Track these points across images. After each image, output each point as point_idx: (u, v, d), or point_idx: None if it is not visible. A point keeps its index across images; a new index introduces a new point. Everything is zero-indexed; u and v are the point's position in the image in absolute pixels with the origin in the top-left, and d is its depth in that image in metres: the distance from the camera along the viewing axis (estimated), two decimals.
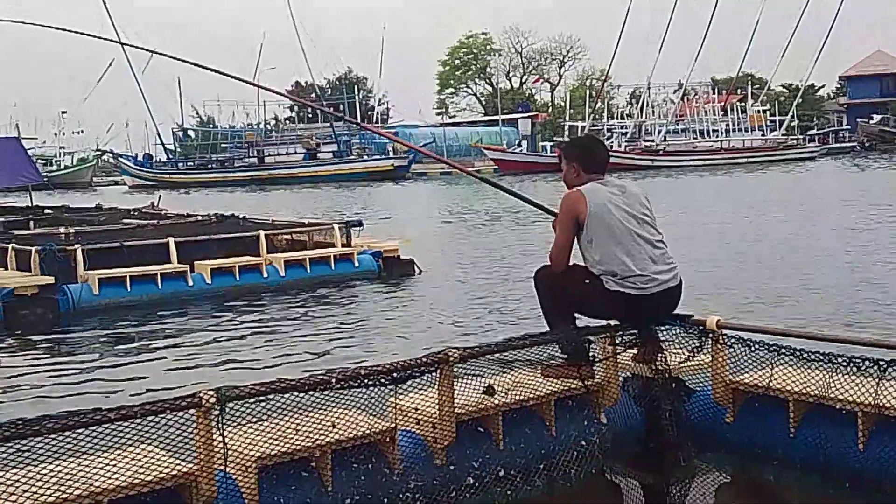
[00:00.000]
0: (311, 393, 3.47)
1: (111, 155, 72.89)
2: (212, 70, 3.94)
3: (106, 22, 62.58)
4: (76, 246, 9.98)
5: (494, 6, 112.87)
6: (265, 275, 10.60)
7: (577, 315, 4.28)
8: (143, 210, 16.80)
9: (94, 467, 3.00)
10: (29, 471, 2.86)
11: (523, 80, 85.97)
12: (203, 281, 10.20)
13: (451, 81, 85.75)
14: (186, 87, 71.34)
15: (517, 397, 3.85)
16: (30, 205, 19.33)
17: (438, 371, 3.67)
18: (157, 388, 6.33)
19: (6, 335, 8.67)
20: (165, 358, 7.39)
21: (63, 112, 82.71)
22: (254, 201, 35.59)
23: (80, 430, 2.90)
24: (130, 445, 3.17)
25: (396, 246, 11.84)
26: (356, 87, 74.37)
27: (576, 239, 4.13)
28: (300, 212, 25.28)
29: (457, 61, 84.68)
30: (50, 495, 2.84)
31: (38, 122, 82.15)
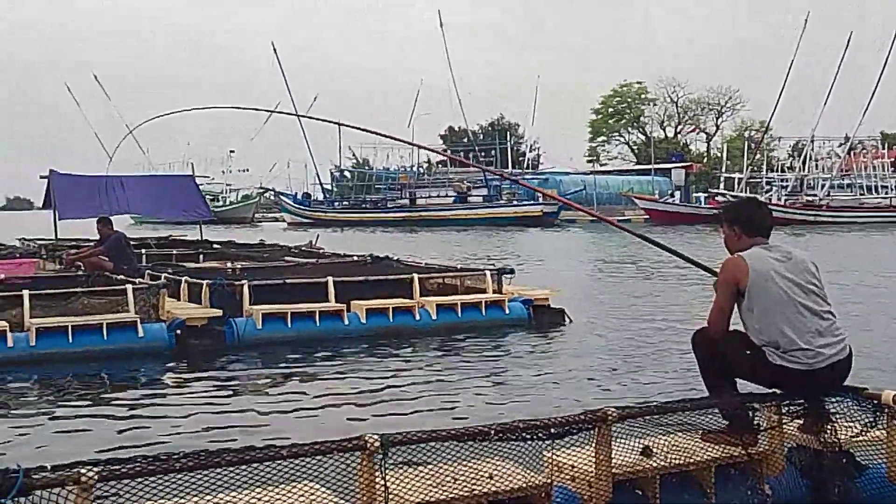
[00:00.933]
0: (469, 443, 3.54)
1: (273, 193, 76.55)
2: (370, 132, 4.03)
3: (277, 73, 66.12)
4: (243, 281, 10.52)
5: (646, 59, 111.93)
6: (417, 317, 10.81)
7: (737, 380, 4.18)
8: (303, 248, 17.52)
9: (267, 500, 3.16)
10: (210, 499, 3.05)
11: (678, 130, 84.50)
12: (358, 320, 10.51)
13: (604, 130, 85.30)
14: (345, 130, 74.11)
15: (676, 461, 3.78)
16: (199, 238, 20.52)
17: (596, 429, 3.66)
18: (314, 424, 6.58)
19: (177, 363, 9.21)
20: (322, 395, 7.63)
21: (231, 151, 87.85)
22: (404, 242, 36.46)
23: (255, 465, 3.08)
24: (296, 481, 3.32)
25: (547, 294, 11.83)
26: (508, 132, 75.18)
27: (736, 305, 4.04)
28: (449, 254, 25.69)
29: (610, 110, 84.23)
30: None
31: (209, 161, 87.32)
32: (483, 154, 68.20)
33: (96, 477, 2.68)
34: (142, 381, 8.62)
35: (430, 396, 7.53)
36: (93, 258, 12.97)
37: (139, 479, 2.79)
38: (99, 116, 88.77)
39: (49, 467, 2.64)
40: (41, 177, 20.04)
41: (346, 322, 10.44)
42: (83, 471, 2.66)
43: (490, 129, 79.79)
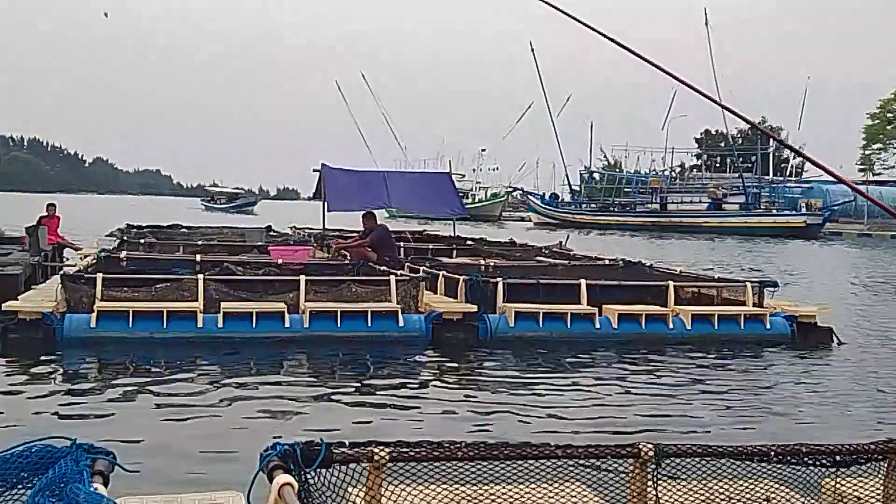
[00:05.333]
0: (745, 462, 3.40)
1: (521, 192, 77.69)
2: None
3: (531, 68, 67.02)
4: (498, 279, 10.75)
5: None
6: (671, 326, 10.53)
7: None
8: (553, 249, 17.61)
9: (538, 497, 3.20)
10: (486, 490, 3.14)
11: None
12: (610, 325, 10.41)
13: (881, 136, 78.49)
14: (597, 131, 73.88)
15: None
16: (452, 234, 21.22)
17: (886, 461, 3.39)
18: (569, 425, 6.60)
19: (433, 353, 9.59)
20: (576, 397, 7.64)
21: (482, 150, 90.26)
22: (654, 248, 35.60)
23: (530, 461, 3.13)
24: (566, 482, 3.34)
25: (814, 312, 11.08)
26: (770, 137, 71.27)
27: None
28: (701, 263, 24.77)
29: (889, 115, 77.37)
30: None
31: (461, 158, 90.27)
32: (741, 159, 65.11)
33: (387, 457, 2.84)
34: (401, 368, 9.05)
35: (685, 407, 7.32)
36: (359, 248, 13.79)
37: (424, 463, 2.92)
38: (363, 112, 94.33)
39: (347, 443, 2.83)
40: (314, 170, 21.53)
41: (598, 326, 10.38)
42: (376, 450, 2.83)
43: (750, 133, 76.02)
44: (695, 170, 77.35)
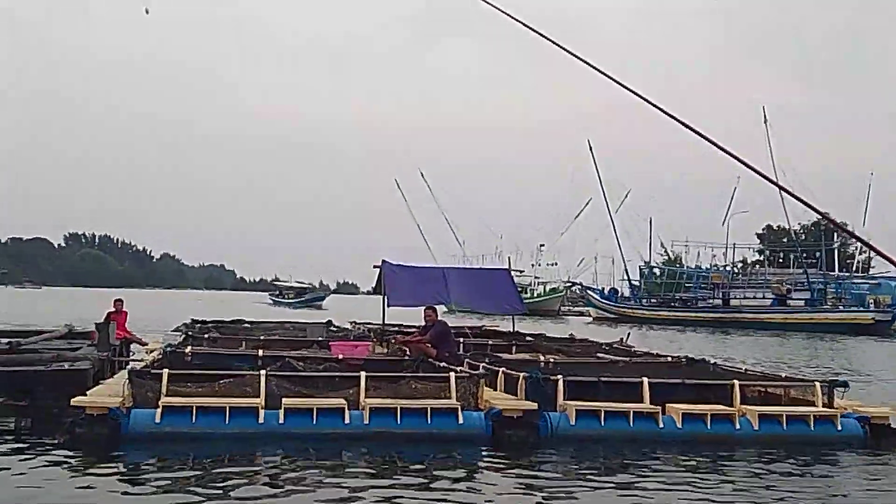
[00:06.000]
0: None
1: (580, 287, 77.38)
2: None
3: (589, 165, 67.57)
4: (559, 376, 10.67)
5: None
6: (737, 426, 10.27)
7: None
8: (614, 345, 17.43)
9: None
10: None
11: None
12: (674, 424, 10.20)
13: None
14: (657, 226, 73.68)
15: None
16: (512, 330, 21.15)
17: None
18: None
19: (493, 452, 9.48)
20: (640, 497, 7.47)
21: (541, 245, 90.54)
22: (717, 344, 34.97)
23: None
24: None
25: (887, 413, 10.71)
26: (835, 233, 70.20)
27: None
28: (766, 360, 24.23)
29: None
30: None
31: (519, 254, 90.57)
32: (805, 255, 64.08)
33: None
34: (461, 466, 8.96)
35: None
36: (419, 344, 13.84)
37: None
38: (422, 208, 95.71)
39: None
40: (374, 266, 21.86)
41: (661, 425, 10.18)
42: None
43: (813, 228, 74.99)
44: (757, 265, 76.22)
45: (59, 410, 9.59)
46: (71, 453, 8.56)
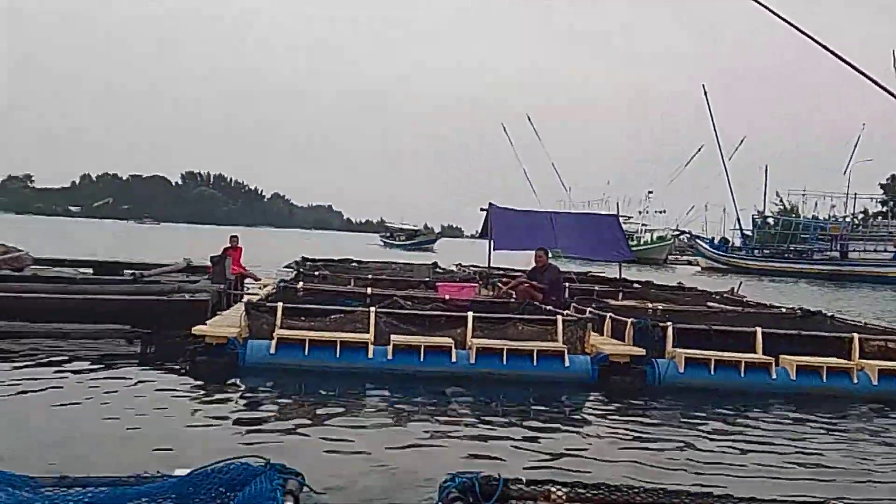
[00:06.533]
0: None
1: (688, 236, 75.58)
2: None
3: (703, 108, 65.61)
4: (668, 323, 10.49)
5: None
6: (855, 381, 9.92)
7: None
8: (725, 295, 17.01)
9: None
10: None
11: None
12: (787, 377, 9.93)
13: None
14: (773, 175, 71.14)
15: None
16: (618, 277, 20.89)
17: None
18: (739, 480, 6.33)
19: (599, 397, 9.44)
20: (750, 449, 7.33)
21: (650, 192, 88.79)
22: (832, 297, 33.75)
23: None
24: None
25: None
26: None
27: None
28: (886, 316, 23.25)
29: None
30: None
31: (626, 201, 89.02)
32: None
33: (564, 497, 2.84)
34: (566, 410, 8.96)
35: (869, 467, 6.86)
36: (527, 287, 13.83)
37: None
38: (528, 154, 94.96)
39: (524, 481, 2.85)
40: (481, 209, 21.84)
41: (774, 377, 9.92)
42: (553, 489, 2.83)
43: None
44: (879, 217, 72.75)
45: (181, 339, 10.03)
46: (191, 380, 8.96)
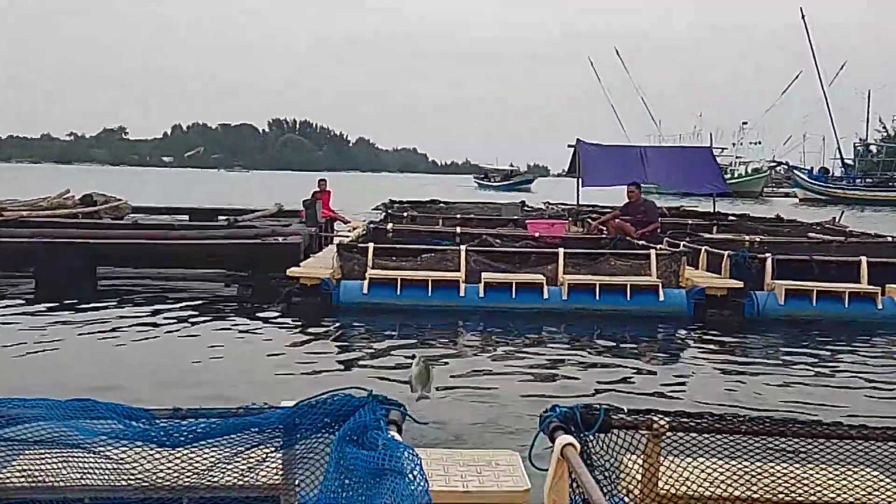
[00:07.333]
0: None
1: (786, 167, 73.13)
2: None
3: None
4: (767, 255, 10.20)
5: None
6: None
7: None
8: (826, 225, 16.44)
9: (826, 478, 3.03)
10: (769, 468, 3.02)
11: None
12: (894, 306, 9.57)
13: None
14: (875, 101, 67.93)
15: None
16: (712, 210, 20.40)
17: None
18: (850, 409, 6.16)
19: (696, 331, 9.28)
20: (856, 380, 7.13)
21: (744, 123, 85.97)
22: None
23: (820, 441, 2.95)
24: (858, 465, 3.11)
25: None
26: None
27: None
28: None
29: None
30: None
31: (720, 132, 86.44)
32: None
33: (667, 426, 2.79)
34: (663, 344, 8.86)
35: None
36: (619, 222, 13.61)
37: (704, 435, 2.84)
38: (616, 89, 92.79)
39: (626, 410, 2.81)
40: (568, 146, 21.51)
41: (880, 306, 9.58)
42: (655, 418, 2.79)
43: None
44: None
45: (276, 281, 10.26)
46: (288, 320, 9.19)
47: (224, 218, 15.64)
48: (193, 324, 8.95)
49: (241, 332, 8.60)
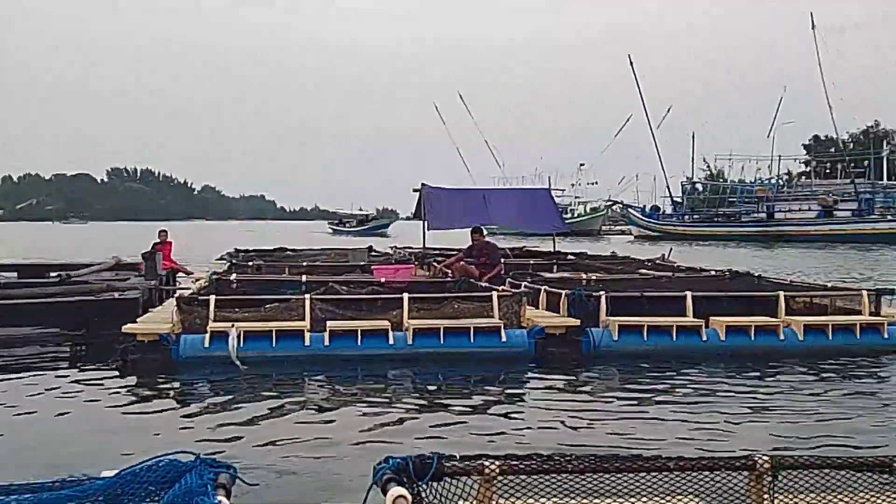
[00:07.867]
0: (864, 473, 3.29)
1: (621, 206, 76.74)
2: None
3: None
4: (602, 293, 10.64)
5: None
6: (782, 337, 10.21)
7: None
8: (657, 261, 17.33)
9: None
10: (598, 502, 3.13)
11: None
12: (717, 337, 10.17)
13: None
14: (700, 141, 72.54)
15: None
16: (553, 250, 21.13)
17: None
18: (676, 439, 6.48)
19: (536, 369, 9.55)
20: (684, 410, 7.50)
21: (581, 164, 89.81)
22: (761, 258, 34.61)
23: (641, 474, 3.10)
24: (679, 495, 3.28)
25: None
26: (884, 141, 68.48)
27: None
28: (812, 273, 23.95)
29: None
30: None
31: (559, 174, 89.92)
32: (853, 164, 62.72)
33: (497, 470, 2.87)
34: (505, 384, 9.05)
35: (799, 420, 7.09)
36: (462, 265, 13.88)
37: (534, 476, 2.93)
38: (460, 131, 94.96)
39: (458, 456, 2.87)
40: (413, 190, 21.83)
41: (705, 338, 10.16)
42: (487, 463, 2.86)
43: (862, 137, 73.21)
44: (803, 177, 74.85)
45: (112, 338, 9.82)
46: (124, 379, 8.80)
47: (56, 274, 14.86)
48: (18, 389, 8.41)
49: (70, 394, 8.15)
